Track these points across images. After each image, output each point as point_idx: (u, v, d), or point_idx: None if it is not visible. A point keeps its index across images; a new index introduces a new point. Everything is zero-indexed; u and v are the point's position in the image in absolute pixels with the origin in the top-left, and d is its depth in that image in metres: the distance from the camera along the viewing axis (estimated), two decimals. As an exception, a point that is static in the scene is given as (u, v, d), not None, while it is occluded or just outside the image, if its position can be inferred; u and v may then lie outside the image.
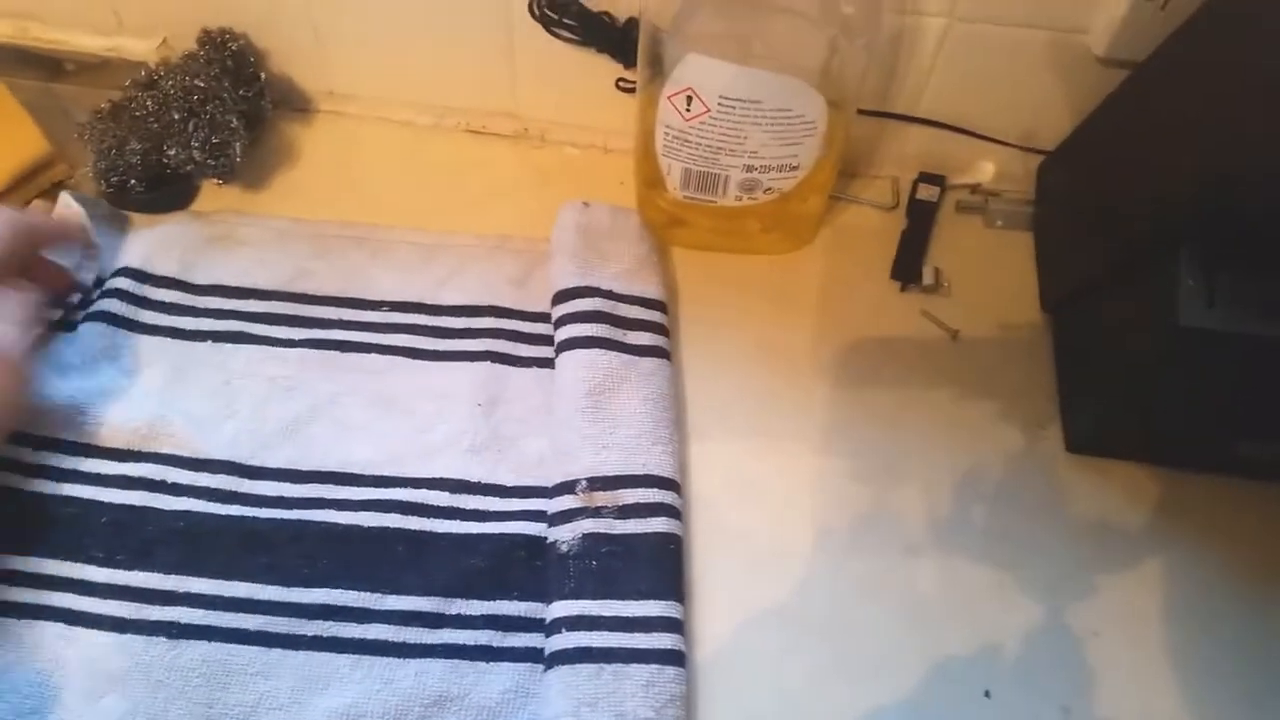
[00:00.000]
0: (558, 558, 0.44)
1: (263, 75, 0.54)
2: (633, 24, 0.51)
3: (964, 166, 0.59)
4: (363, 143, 0.58)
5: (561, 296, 0.50)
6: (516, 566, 0.45)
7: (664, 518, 0.46)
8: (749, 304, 0.54)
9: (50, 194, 0.55)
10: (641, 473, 0.46)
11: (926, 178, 0.59)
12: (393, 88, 0.58)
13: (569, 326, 0.50)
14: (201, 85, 0.51)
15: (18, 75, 0.58)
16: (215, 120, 0.51)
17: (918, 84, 0.54)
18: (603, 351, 0.49)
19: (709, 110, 0.46)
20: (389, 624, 0.44)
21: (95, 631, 0.43)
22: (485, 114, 0.59)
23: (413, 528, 0.46)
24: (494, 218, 0.56)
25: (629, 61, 0.53)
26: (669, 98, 0.46)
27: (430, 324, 0.52)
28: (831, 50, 0.44)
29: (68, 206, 0.52)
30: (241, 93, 0.53)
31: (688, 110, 0.47)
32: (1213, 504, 0.49)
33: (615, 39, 0.52)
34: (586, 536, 0.45)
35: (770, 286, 0.55)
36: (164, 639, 0.43)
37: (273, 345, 0.51)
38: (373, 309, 0.52)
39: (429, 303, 0.53)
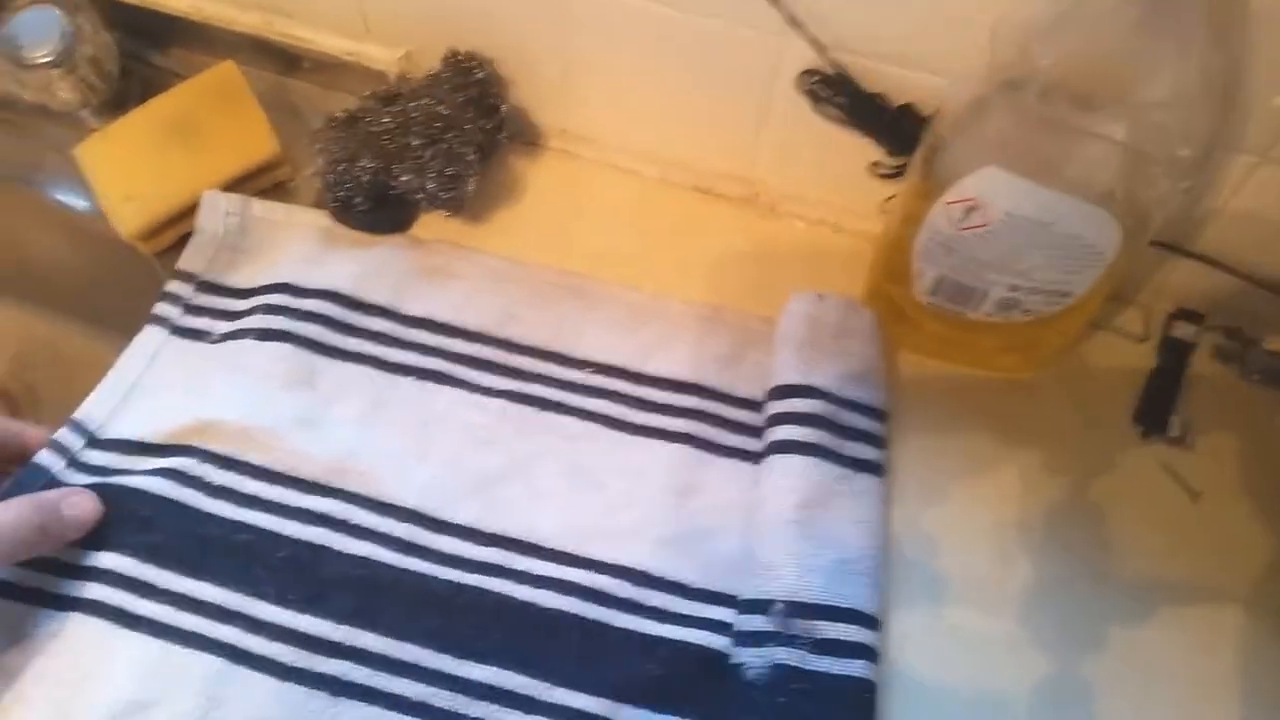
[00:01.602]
0: (743, 685, 0.41)
1: (503, 108, 0.52)
2: (906, 112, 0.47)
3: (1225, 307, 0.53)
4: (586, 187, 0.55)
5: (780, 392, 0.47)
6: (695, 682, 0.42)
7: (863, 661, 0.41)
8: (971, 426, 0.49)
9: (271, 194, 0.54)
10: (845, 605, 0.42)
11: (1184, 314, 0.53)
12: (627, 134, 0.55)
13: (785, 427, 0.46)
14: (445, 113, 0.49)
15: (252, 64, 0.57)
16: (453, 151, 0.49)
17: (1202, 218, 0.48)
18: (818, 461, 0.45)
19: (988, 224, 0.42)
20: (554, 719, 0.41)
21: (257, 674, 0.41)
22: (716, 175, 0.55)
23: (590, 616, 0.43)
24: (709, 283, 0.53)
25: (892, 148, 0.49)
26: (947, 204, 0.42)
27: (633, 393, 0.49)
28: (1148, 186, 0.39)
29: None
30: (481, 124, 0.51)
31: (964, 220, 0.42)
32: None
33: (884, 124, 0.48)
34: (778, 667, 0.41)
35: (997, 410, 0.50)
36: (325, 694, 0.41)
37: (474, 391, 0.48)
38: (576, 368, 0.49)
39: (633, 369, 0.50)
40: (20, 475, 0.44)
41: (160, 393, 0.48)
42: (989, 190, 0.41)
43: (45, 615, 0.42)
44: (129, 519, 0.44)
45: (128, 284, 0.57)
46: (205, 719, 0.40)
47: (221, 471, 0.46)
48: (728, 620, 0.43)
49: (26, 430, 0.46)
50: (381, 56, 0.55)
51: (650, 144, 0.55)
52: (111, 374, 0.48)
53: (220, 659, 0.41)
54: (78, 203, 0.55)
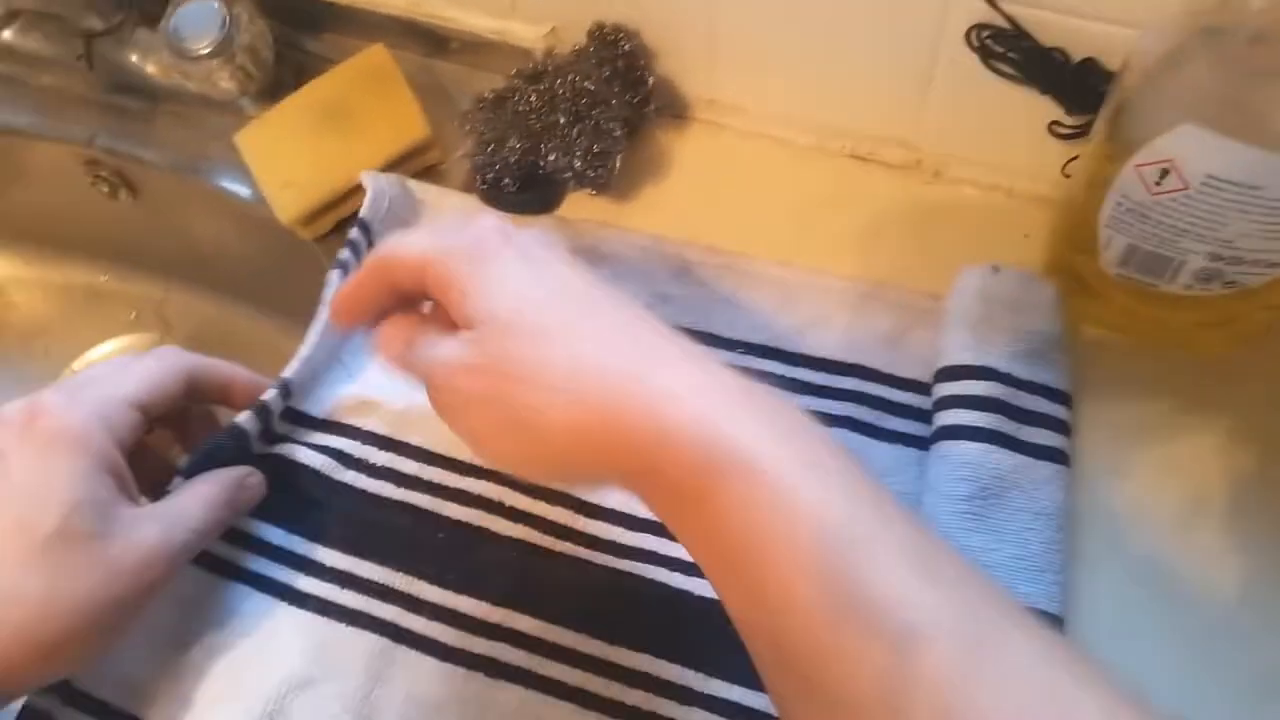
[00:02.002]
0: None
1: (651, 80, 0.51)
2: (1088, 66, 0.43)
3: None
4: (736, 158, 0.53)
5: (950, 374, 0.44)
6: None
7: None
8: (1164, 410, 0.45)
9: (421, 178, 0.54)
10: (1024, 605, 0.39)
11: None
12: (778, 101, 0.53)
13: (955, 411, 0.43)
14: (591, 88, 0.48)
15: (401, 47, 0.57)
16: (599, 128, 0.48)
17: None
18: (993, 448, 0.42)
19: (1187, 188, 0.38)
20: (711, 711, 0.40)
21: (419, 654, 0.42)
22: (875, 139, 0.52)
23: (748, 607, 0.42)
24: (870, 258, 0.50)
25: (1073, 106, 0.45)
26: (1138, 166, 0.38)
27: (785, 374, 0.47)
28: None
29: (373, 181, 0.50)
30: (627, 98, 0.50)
31: (1158, 184, 0.38)
32: None
33: (1064, 81, 0.44)
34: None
35: (1194, 393, 0.45)
36: (483, 675, 0.41)
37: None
38: (727, 349, 0.48)
39: (787, 349, 0.48)
40: (221, 439, 0.43)
41: (329, 370, 0.49)
42: (1186, 150, 0.37)
43: (215, 586, 0.43)
44: (298, 496, 0.45)
45: (291, 268, 0.58)
46: (369, 697, 0.41)
47: (382, 452, 0.46)
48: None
49: (237, 377, 0.44)
50: (527, 34, 0.54)
51: (803, 110, 0.52)
52: (304, 347, 0.48)
53: (383, 638, 0.42)
54: (240, 190, 0.57)
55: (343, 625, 0.42)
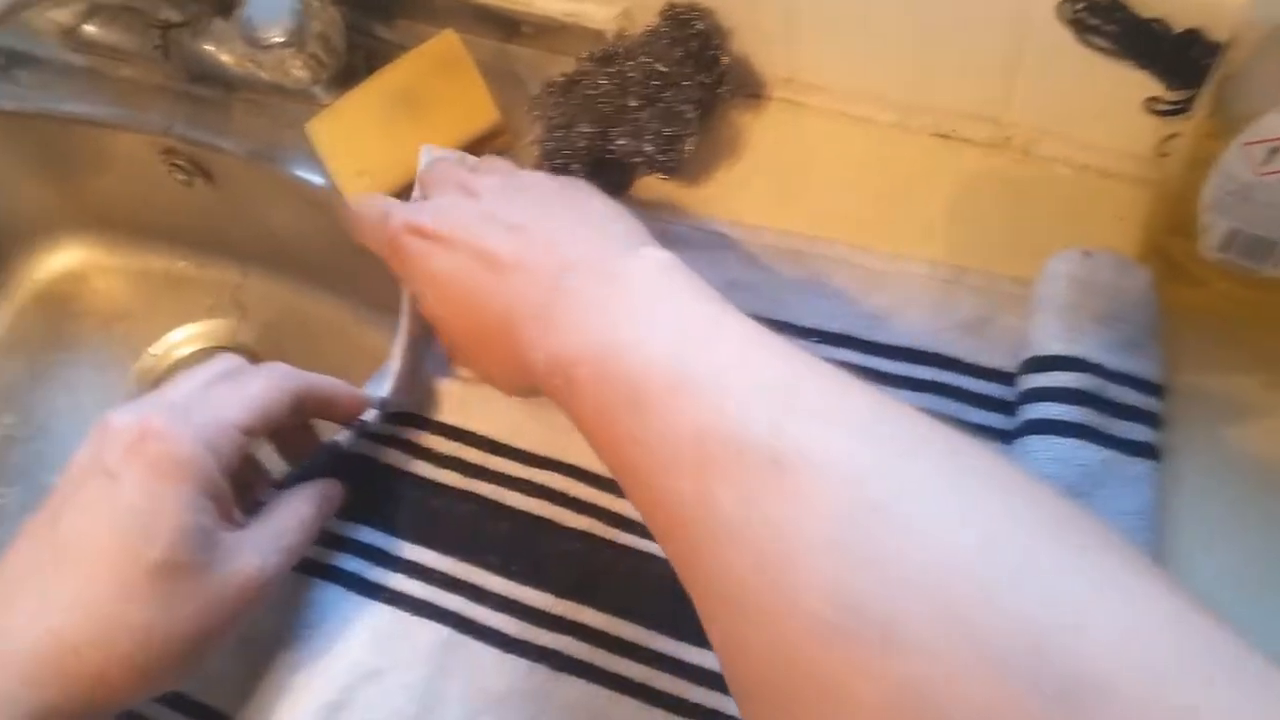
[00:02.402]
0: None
1: (725, 60, 0.49)
2: (1191, 39, 0.40)
3: None
4: (813, 139, 0.51)
5: (1038, 364, 0.41)
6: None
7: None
8: (1264, 400, 0.42)
9: (492, 163, 0.53)
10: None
11: None
12: (858, 78, 0.51)
13: (1044, 404, 0.41)
14: (664, 70, 0.47)
15: (472, 32, 0.57)
16: (671, 110, 0.47)
17: None
18: (1082, 443, 0.39)
19: (1299, 167, 0.35)
20: (781, 713, 0.39)
21: (482, 644, 0.42)
22: (960, 116, 0.50)
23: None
24: (953, 241, 0.48)
25: (1173, 82, 0.42)
26: (1245, 145, 0.36)
27: (861, 363, 0.45)
28: None
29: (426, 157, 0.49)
30: (700, 79, 0.48)
31: (1265, 164, 0.36)
32: None
33: (1163, 54, 0.41)
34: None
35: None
36: (546, 668, 0.41)
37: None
38: (802, 337, 0.46)
39: (863, 338, 0.46)
40: (322, 457, 0.45)
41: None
42: (1302, 126, 0.34)
43: (288, 579, 0.43)
44: (369, 488, 0.45)
45: (364, 255, 0.58)
46: (432, 687, 0.41)
47: (449, 441, 0.46)
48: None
49: (339, 392, 0.44)
50: (599, 15, 0.53)
51: (885, 87, 0.50)
52: (395, 362, 0.47)
53: (447, 628, 0.42)
54: (314, 177, 0.57)
55: (409, 615, 0.42)
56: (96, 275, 0.71)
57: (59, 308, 0.71)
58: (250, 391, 0.40)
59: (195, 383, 0.40)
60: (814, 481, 0.26)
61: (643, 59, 0.47)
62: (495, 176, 0.43)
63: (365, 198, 0.46)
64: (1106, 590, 0.23)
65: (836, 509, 0.26)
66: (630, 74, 0.47)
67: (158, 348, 0.69)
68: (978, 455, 0.27)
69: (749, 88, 0.52)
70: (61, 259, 0.71)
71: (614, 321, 0.33)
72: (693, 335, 0.32)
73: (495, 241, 0.38)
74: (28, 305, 0.71)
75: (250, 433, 0.39)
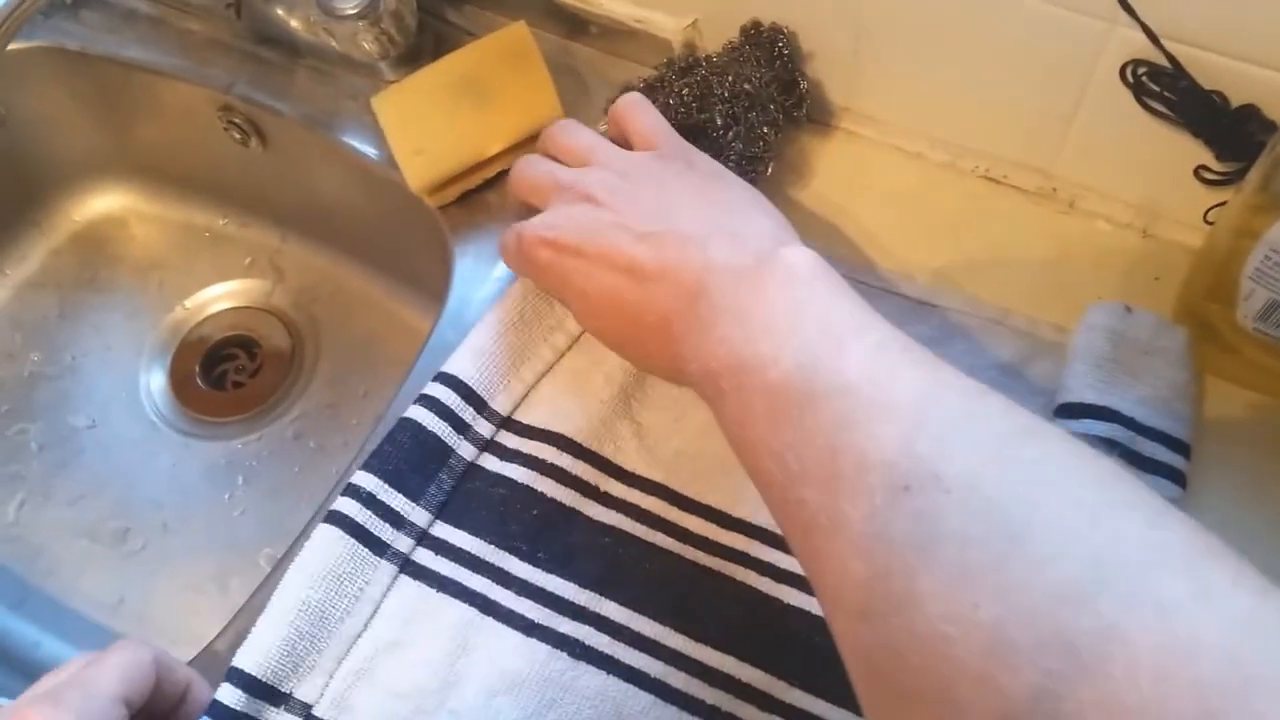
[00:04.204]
0: None
1: (804, 84, 0.50)
2: (1247, 114, 0.42)
3: None
4: (868, 170, 0.53)
5: (1070, 410, 0.43)
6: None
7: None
8: (1284, 470, 0.44)
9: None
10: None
11: None
12: (915, 115, 0.52)
13: (1072, 450, 0.42)
14: (750, 90, 0.48)
15: (540, 26, 0.58)
16: (754, 131, 0.48)
17: None
18: (1107, 491, 0.41)
19: (1345, 250, 0.37)
20: (791, 722, 0.40)
21: (505, 627, 0.42)
22: (1010, 163, 0.51)
23: (835, 620, 0.42)
24: (993, 283, 0.49)
25: (1225, 153, 0.44)
26: (1295, 222, 0.37)
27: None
28: None
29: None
30: (782, 101, 0.49)
31: (1314, 242, 0.37)
32: None
33: (1218, 125, 0.43)
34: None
35: (1321, 456, 0.44)
36: (566, 656, 0.42)
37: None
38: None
39: (902, 369, 0.47)
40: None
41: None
42: (1353, 210, 0.36)
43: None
44: (407, 459, 0.45)
45: (409, 233, 0.59)
46: (454, 665, 0.42)
47: (485, 422, 0.47)
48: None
49: (194, 682, 0.40)
50: (668, 25, 0.54)
51: (940, 127, 0.52)
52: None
53: (472, 608, 0.43)
54: (370, 150, 0.57)
55: (434, 592, 0.43)
56: (137, 222, 0.72)
57: (96, 250, 0.71)
58: (113, 661, 0.37)
59: (58, 676, 0.37)
60: (940, 504, 0.27)
61: (730, 77, 0.48)
62: (603, 172, 0.42)
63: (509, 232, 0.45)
64: (1220, 607, 0.24)
65: (962, 530, 0.26)
66: (716, 90, 0.48)
67: (191, 301, 0.69)
68: (1117, 479, 0.28)
69: (814, 114, 0.54)
70: (104, 202, 0.72)
71: (751, 334, 0.34)
72: (826, 349, 0.32)
73: (633, 253, 0.38)
74: (64, 244, 0.71)
75: (127, 703, 0.36)
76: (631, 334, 0.40)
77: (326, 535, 0.43)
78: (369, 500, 0.44)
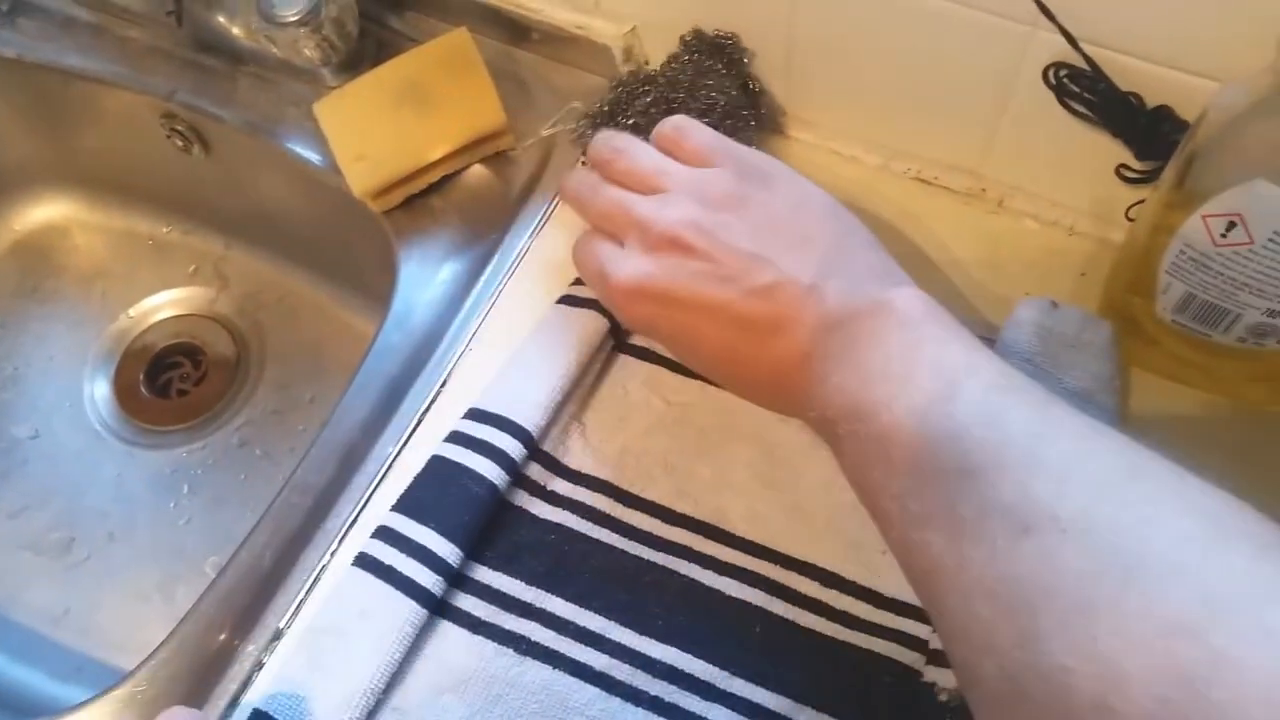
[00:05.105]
0: (934, 706, 0.39)
1: (759, 90, 0.52)
2: (1162, 114, 0.44)
3: None
4: (805, 172, 0.53)
5: (999, 403, 0.44)
6: (880, 695, 0.41)
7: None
8: (1205, 460, 0.45)
9: (491, 163, 0.55)
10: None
11: None
12: (849, 119, 0.53)
13: (999, 441, 0.43)
14: (724, 103, 0.49)
15: (481, 32, 0.58)
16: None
17: None
18: (1033, 480, 0.42)
19: (1251, 243, 0.38)
20: (733, 710, 0.41)
21: (451, 624, 0.43)
22: (941, 165, 0.53)
23: (776, 611, 0.43)
24: (925, 282, 0.50)
25: (1142, 153, 0.45)
26: (1205, 217, 0.39)
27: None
28: None
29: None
30: (749, 108, 0.51)
31: (1223, 236, 0.39)
32: None
33: (1135, 125, 0.44)
34: (971, 690, 0.39)
35: (1237, 445, 0.46)
36: (512, 652, 0.42)
37: (675, 372, 0.48)
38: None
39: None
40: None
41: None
42: (1256, 206, 0.37)
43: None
44: None
45: (353, 238, 0.60)
46: (398, 660, 0.42)
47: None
48: (922, 636, 0.42)
49: None
50: (608, 31, 0.55)
51: (873, 130, 0.53)
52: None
53: (421, 606, 0.43)
54: (312, 156, 0.58)
55: (379, 582, 0.43)
56: (79, 231, 0.71)
57: (37, 260, 0.71)
58: None
59: None
60: (1058, 544, 0.28)
61: (700, 89, 0.49)
62: (684, 205, 0.40)
63: (583, 240, 0.44)
64: None
65: (1078, 568, 0.27)
66: (687, 103, 0.49)
67: (135, 310, 0.69)
68: (1227, 511, 0.29)
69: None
70: (45, 211, 0.71)
71: (864, 380, 0.34)
72: (938, 393, 0.33)
73: (744, 309, 0.38)
74: (4, 254, 0.71)
75: None
76: (745, 379, 0.40)
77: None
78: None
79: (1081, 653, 0.26)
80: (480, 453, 0.45)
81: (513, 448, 0.45)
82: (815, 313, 0.37)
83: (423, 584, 0.42)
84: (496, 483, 0.44)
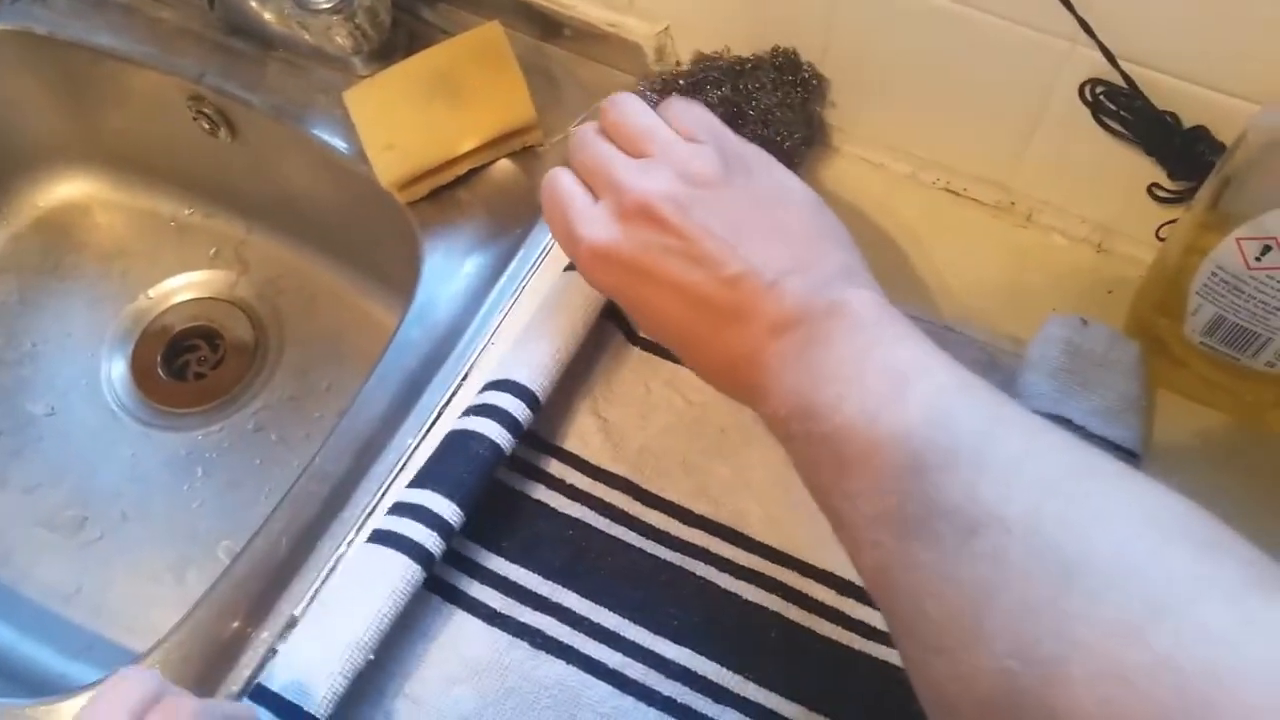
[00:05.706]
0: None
1: (819, 108, 0.52)
2: (1199, 134, 0.43)
3: None
4: (831, 179, 0.54)
5: (1023, 418, 0.44)
6: (896, 707, 0.41)
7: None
8: (1229, 484, 0.45)
9: (519, 158, 0.55)
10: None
11: None
12: (879, 127, 0.53)
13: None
14: (779, 115, 0.49)
15: (514, 27, 0.58)
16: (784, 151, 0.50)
17: None
18: (1055, 496, 0.42)
19: (1287, 267, 0.38)
20: (746, 715, 0.41)
21: (467, 615, 0.43)
22: (971, 177, 0.53)
23: (792, 617, 0.43)
24: (950, 294, 0.50)
25: (1175, 172, 0.45)
26: (1239, 240, 0.39)
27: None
28: None
29: None
30: (802, 131, 0.51)
31: (1258, 260, 0.39)
32: None
33: (1171, 145, 0.44)
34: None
35: (1262, 468, 0.45)
36: (526, 645, 0.42)
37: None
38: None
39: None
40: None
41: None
42: (1295, 231, 0.37)
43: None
44: None
45: (377, 227, 0.60)
46: (415, 651, 0.42)
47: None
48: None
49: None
50: (641, 29, 0.55)
51: (903, 139, 0.53)
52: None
53: (437, 595, 0.43)
54: (340, 144, 0.58)
55: (380, 547, 0.42)
56: (101, 210, 0.71)
57: (59, 237, 0.71)
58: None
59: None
60: (1004, 545, 0.28)
61: (764, 102, 0.50)
62: (664, 177, 0.39)
63: (555, 179, 0.42)
64: (1266, 634, 0.25)
65: (1024, 569, 0.28)
66: (746, 110, 0.50)
67: (155, 291, 0.69)
68: (1173, 513, 0.28)
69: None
70: (68, 188, 0.71)
71: (816, 381, 0.34)
72: (889, 393, 0.33)
73: (707, 292, 0.37)
74: (26, 230, 0.71)
75: None
76: (700, 361, 0.40)
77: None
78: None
79: (1025, 655, 0.27)
80: (484, 415, 0.44)
81: (516, 407, 0.44)
82: (771, 311, 0.36)
83: (416, 539, 0.41)
84: (498, 441, 0.43)
